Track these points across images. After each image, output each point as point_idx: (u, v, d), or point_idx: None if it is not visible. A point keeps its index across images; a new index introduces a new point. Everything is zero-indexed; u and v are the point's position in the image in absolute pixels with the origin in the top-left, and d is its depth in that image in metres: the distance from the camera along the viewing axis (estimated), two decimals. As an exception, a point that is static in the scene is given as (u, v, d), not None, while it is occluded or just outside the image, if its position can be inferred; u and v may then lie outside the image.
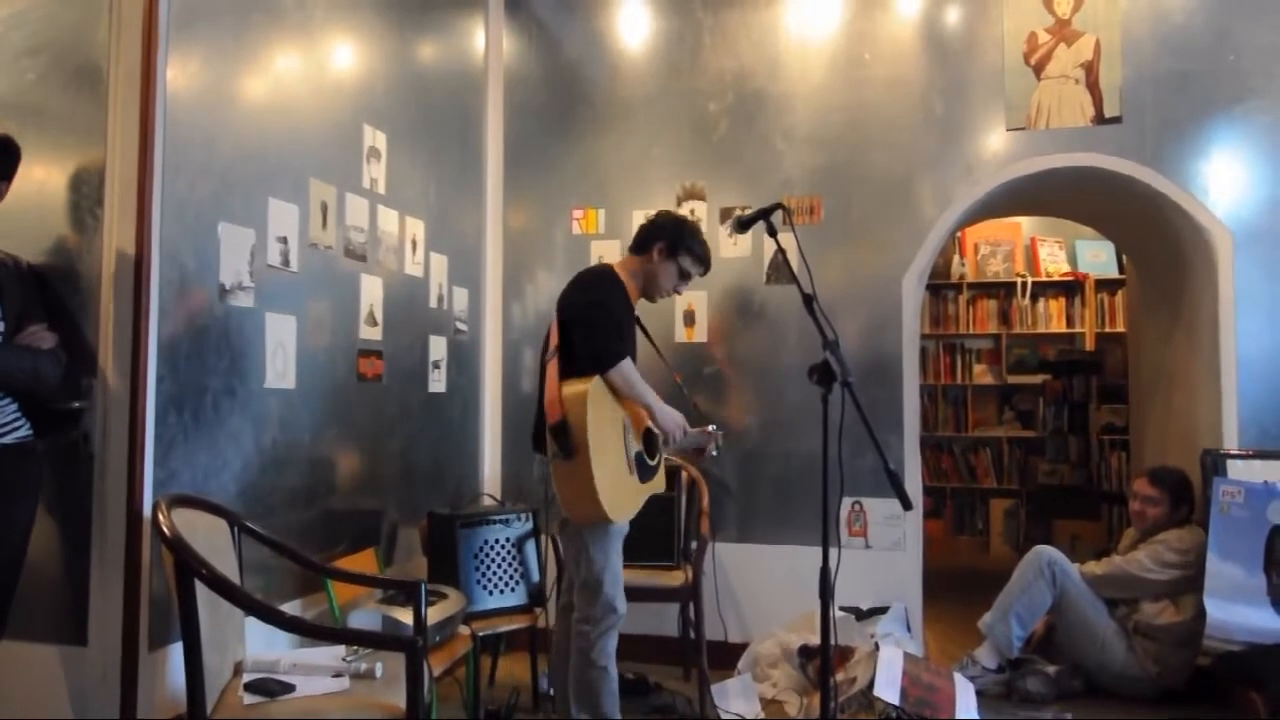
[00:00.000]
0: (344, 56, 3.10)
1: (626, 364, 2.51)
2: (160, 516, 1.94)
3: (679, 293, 2.84)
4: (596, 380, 2.47)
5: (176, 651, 2.08)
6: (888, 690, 2.75)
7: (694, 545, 3.41)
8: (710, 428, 2.84)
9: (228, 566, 2.18)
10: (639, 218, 3.91)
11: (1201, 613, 3.13)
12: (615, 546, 2.56)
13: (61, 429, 2.20)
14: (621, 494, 2.51)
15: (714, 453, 2.87)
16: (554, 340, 2.58)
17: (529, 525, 3.28)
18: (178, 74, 2.35)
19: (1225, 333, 3.43)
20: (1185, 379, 3.86)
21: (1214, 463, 3.32)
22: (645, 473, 2.68)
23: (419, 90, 3.57)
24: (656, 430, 2.69)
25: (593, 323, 2.53)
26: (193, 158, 2.39)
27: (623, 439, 2.57)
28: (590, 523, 2.48)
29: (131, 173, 2.23)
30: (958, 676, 3.07)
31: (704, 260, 2.77)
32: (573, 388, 2.44)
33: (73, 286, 2.25)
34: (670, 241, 2.70)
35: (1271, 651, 2.97)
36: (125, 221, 2.23)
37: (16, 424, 2.07)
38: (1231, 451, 3.36)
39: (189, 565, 1.88)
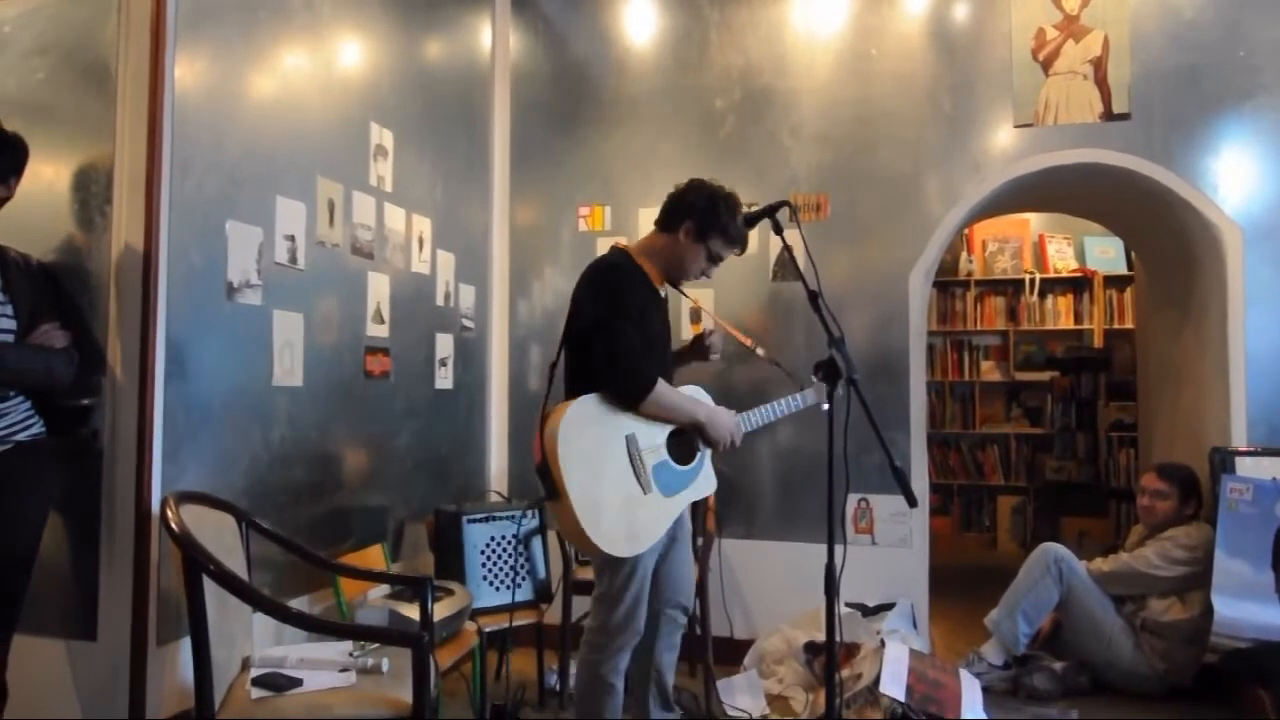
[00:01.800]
0: (351, 55, 3.10)
1: (658, 391, 2.27)
2: (169, 513, 1.96)
3: (708, 276, 2.54)
4: (574, 407, 2.25)
5: (185, 647, 2.09)
6: (893, 687, 2.75)
7: (700, 542, 3.42)
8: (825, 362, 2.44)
9: (236, 562, 2.20)
10: (646, 215, 3.95)
11: (1209, 610, 3.12)
12: (641, 563, 2.34)
13: (71, 426, 2.21)
14: (627, 524, 2.27)
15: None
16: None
17: (535, 522, 3.29)
18: (186, 72, 2.36)
19: (1234, 329, 3.42)
20: (1194, 376, 3.85)
21: (1222, 460, 3.31)
22: (675, 481, 2.39)
23: (426, 88, 3.57)
24: (708, 443, 2.44)
25: (611, 351, 2.24)
26: (201, 156, 2.41)
27: (629, 459, 2.30)
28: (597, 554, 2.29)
29: (140, 171, 2.24)
30: (964, 673, 3.06)
31: (738, 240, 2.45)
32: (551, 422, 2.22)
33: (81, 284, 2.27)
34: (700, 221, 2.40)
35: (1279, 649, 2.96)
36: (134, 219, 2.24)
37: (30, 421, 2.09)
38: (1240, 449, 3.34)
39: (197, 561, 1.90)
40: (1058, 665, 3.40)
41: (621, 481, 2.28)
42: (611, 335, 2.26)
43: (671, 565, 2.54)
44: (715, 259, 2.47)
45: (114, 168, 2.27)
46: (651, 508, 2.34)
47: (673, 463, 2.40)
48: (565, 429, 2.21)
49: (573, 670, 2.61)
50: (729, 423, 2.43)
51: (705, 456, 2.51)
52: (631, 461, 2.31)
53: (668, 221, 2.47)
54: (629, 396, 2.28)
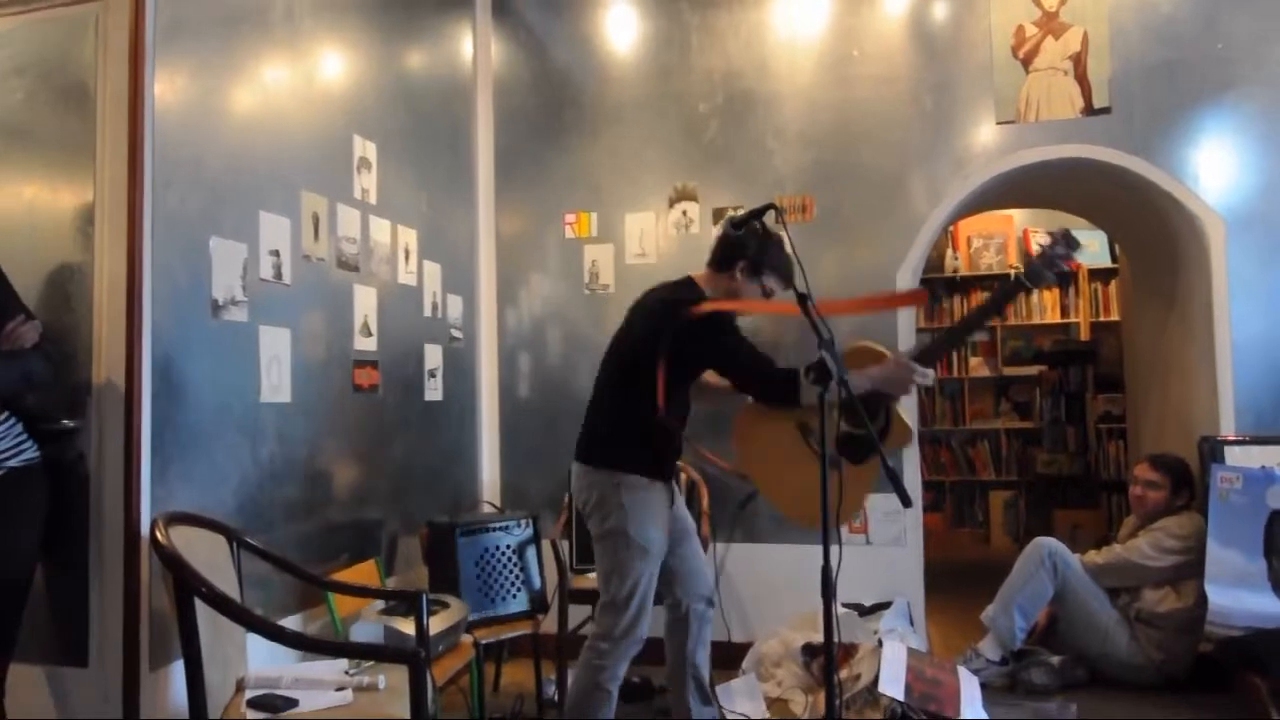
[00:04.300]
0: (332, 67, 3.09)
1: (803, 385, 2.33)
2: (158, 534, 1.94)
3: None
4: (743, 410, 2.56)
5: (178, 670, 2.07)
6: (892, 686, 2.74)
7: (695, 546, 3.41)
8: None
9: (227, 583, 2.18)
10: (632, 220, 3.96)
11: (1203, 599, 3.14)
12: (648, 570, 2.45)
13: (57, 449, 2.19)
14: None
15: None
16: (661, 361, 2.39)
17: (529, 532, 3.27)
18: (165, 89, 2.34)
19: (1219, 319, 3.44)
20: (1181, 366, 3.87)
21: (1212, 449, 3.33)
22: (862, 448, 2.42)
23: (408, 99, 3.56)
24: (886, 397, 2.46)
25: (744, 368, 2.43)
26: (182, 173, 2.39)
27: (805, 444, 2.45)
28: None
29: (121, 190, 2.22)
30: (962, 670, 3.06)
31: (789, 278, 2.52)
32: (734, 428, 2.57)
33: (65, 305, 2.25)
34: (753, 260, 2.50)
35: (1273, 636, 2.97)
36: (116, 238, 2.22)
37: (22, 446, 2.06)
38: (1229, 438, 3.36)
39: (188, 583, 1.88)
40: (1055, 659, 3.40)
41: (805, 466, 2.35)
42: (737, 354, 2.43)
43: (684, 561, 2.62)
44: (769, 294, 2.58)
45: (95, 187, 2.24)
46: (845, 480, 2.35)
47: (854, 430, 2.41)
48: (739, 433, 2.57)
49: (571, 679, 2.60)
50: (902, 373, 2.37)
51: (891, 410, 2.51)
52: (809, 445, 2.45)
53: (722, 262, 2.56)
54: (786, 402, 2.38)
